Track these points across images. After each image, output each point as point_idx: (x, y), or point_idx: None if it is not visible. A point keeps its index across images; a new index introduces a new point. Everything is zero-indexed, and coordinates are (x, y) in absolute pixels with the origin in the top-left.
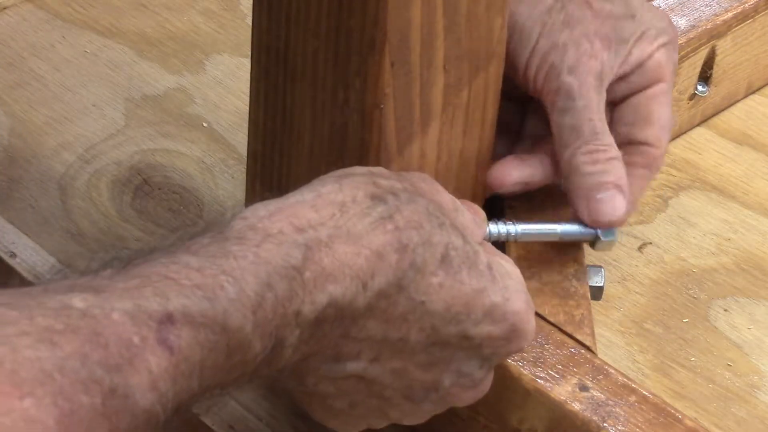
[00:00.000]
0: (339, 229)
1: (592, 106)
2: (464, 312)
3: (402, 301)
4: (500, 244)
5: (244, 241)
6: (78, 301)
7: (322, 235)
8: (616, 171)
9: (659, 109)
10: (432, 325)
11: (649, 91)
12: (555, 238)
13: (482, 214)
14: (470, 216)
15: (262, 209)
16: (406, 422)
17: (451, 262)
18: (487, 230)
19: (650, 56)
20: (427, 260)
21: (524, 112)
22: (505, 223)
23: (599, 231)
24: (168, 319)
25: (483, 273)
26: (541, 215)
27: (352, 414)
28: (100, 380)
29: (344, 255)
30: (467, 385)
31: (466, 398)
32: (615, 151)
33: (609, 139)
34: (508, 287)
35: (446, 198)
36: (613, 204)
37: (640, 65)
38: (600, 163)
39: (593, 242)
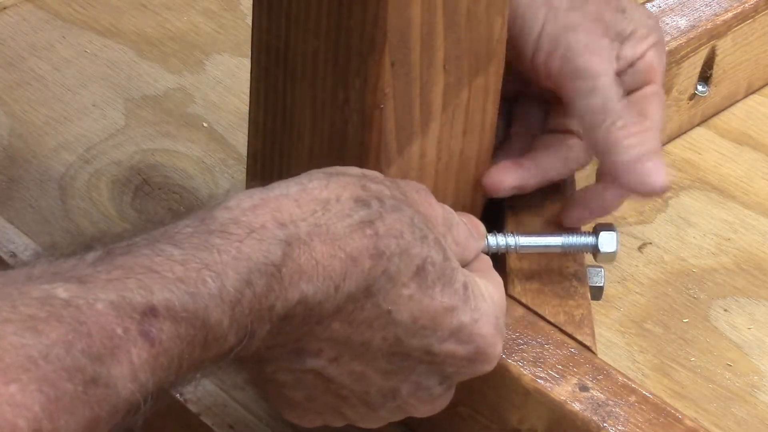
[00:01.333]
0: (319, 227)
1: (615, 83)
2: (430, 327)
3: (369, 307)
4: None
5: (227, 235)
6: (61, 291)
7: (302, 231)
8: (654, 140)
9: (653, 110)
10: (396, 335)
11: (641, 92)
12: (556, 250)
13: (481, 227)
14: (466, 230)
15: (247, 200)
16: (362, 425)
17: (426, 277)
18: (486, 243)
19: (642, 56)
20: (402, 271)
21: (510, 112)
22: (504, 235)
23: (600, 242)
24: (151, 312)
25: (457, 291)
26: (540, 215)
27: (308, 407)
28: (83, 368)
29: (320, 254)
30: (425, 399)
31: (423, 411)
32: (644, 123)
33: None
34: (480, 309)
35: (437, 212)
36: (660, 171)
37: (632, 64)
38: (638, 134)
39: (594, 254)
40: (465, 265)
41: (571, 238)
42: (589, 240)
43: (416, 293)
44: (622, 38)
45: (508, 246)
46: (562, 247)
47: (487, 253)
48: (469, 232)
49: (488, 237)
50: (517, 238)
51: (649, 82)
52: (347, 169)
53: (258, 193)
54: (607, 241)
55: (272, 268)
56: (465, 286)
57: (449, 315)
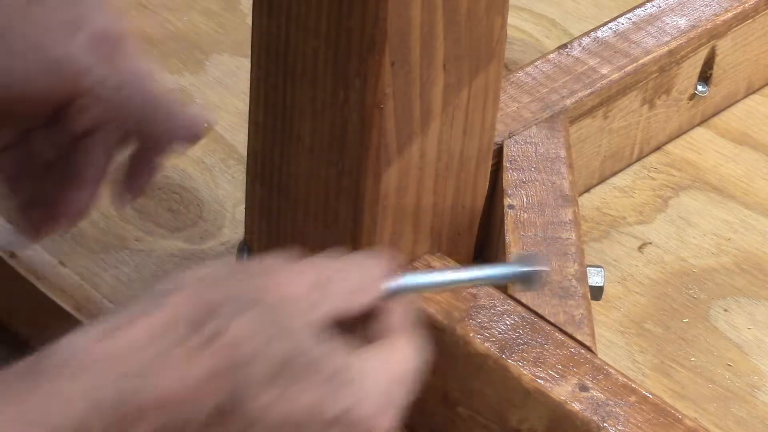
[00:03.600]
0: (159, 358)
1: None
2: (305, 423)
3: (237, 419)
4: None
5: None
6: None
7: (142, 367)
8: None
9: None
10: None
11: None
12: (467, 284)
13: (385, 267)
14: (358, 276)
15: (80, 341)
16: None
17: (286, 375)
18: (387, 286)
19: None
20: (260, 374)
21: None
22: (403, 276)
23: (530, 263)
24: None
25: (328, 379)
26: (541, 215)
27: None
28: None
29: (168, 387)
30: None
31: None
32: None
33: None
34: (363, 389)
35: (300, 288)
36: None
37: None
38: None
39: (524, 280)
40: (366, 310)
41: (481, 270)
42: (513, 268)
43: (278, 397)
44: None
45: (407, 287)
46: (471, 281)
47: (388, 296)
48: (362, 277)
49: (387, 282)
50: (417, 276)
51: None
52: (183, 280)
53: (92, 331)
54: (537, 261)
55: (110, 411)
56: (339, 371)
57: (319, 408)
